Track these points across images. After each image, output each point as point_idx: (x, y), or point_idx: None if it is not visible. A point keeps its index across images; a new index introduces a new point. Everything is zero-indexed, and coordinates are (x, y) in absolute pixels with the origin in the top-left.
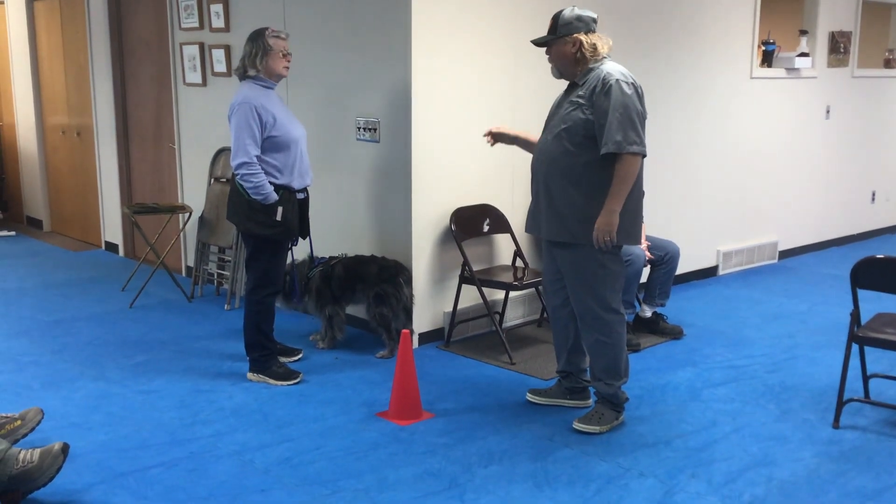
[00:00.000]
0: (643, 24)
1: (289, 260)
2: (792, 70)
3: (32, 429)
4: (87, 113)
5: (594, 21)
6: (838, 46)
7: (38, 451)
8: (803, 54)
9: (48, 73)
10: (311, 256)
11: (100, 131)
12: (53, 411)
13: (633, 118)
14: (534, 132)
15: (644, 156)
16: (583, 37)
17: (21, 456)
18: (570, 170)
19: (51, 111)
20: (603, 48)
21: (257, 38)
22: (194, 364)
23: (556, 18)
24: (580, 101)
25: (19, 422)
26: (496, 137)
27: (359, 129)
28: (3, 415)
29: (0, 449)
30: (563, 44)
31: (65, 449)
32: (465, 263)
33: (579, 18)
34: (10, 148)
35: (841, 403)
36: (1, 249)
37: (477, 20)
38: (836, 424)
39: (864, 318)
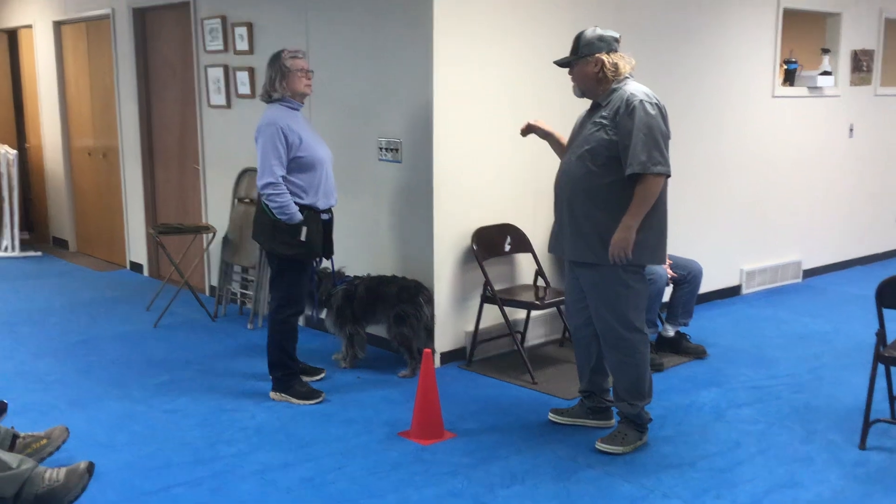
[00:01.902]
0: (665, 43)
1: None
2: (814, 88)
3: (58, 447)
4: (113, 135)
5: (616, 41)
6: (861, 65)
7: (63, 470)
8: (826, 73)
9: (75, 95)
10: (333, 275)
11: (125, 153)
12: (79, 430)
13: (658, 138)
14: (564, 137)
15: (668, 176)
16: (605, 56)
17: (47, 475)
18: (593, 190)
19: (77, 133)
20: (625, 68)
21: (275, 62)
22: (217, 383)
23: (578, 38)
24: (603, 121)
25: (45, 441)
26: (530, 129)
27: (381, 149)
28: (30, 434)
29: (26, 468)
30: (585, 64)
31: (90, 468)
32: (487, 283)
33: (601, 38)
34: (37, 169)
35: (867, 424)
36: (27, 269)
37: (499, 40)
38: (862, 445)
39: (891, 337)
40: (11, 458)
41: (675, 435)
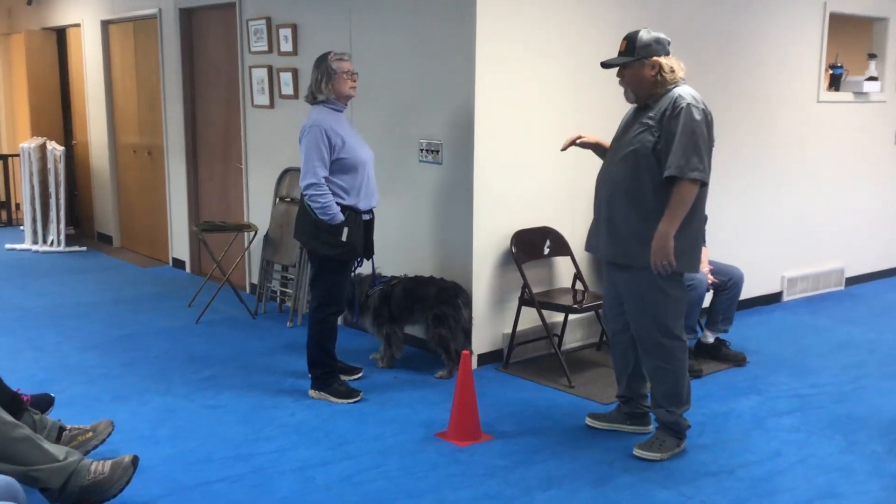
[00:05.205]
0: (709, 46)
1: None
2: (860, 94)
3: (103, 441)
4: (158, 133)
5: (669, 44)
6: None
7: (108, 462)
8: (872, 78)
9: (121, 93)
10: (373, 276)
11: (170, 151)
12: (122, 424)
13: (699, 144)
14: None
15: (705, 183)
16: (663, 59)
17: (93, 467)
18: (635, 192)
19: (123, 131)
20: (679, 71)
21: (321, 64)
22: (258, 380)
23: (633, 40)
24: (650, 122)
25: (91, 434)
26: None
27: (421, 151)
28: (76, 426)
29: (72, 460)
30: (642, 66)
31: (135, 461)
32: (525, 285)
33: (658, 41)
34: (83, 166)
35: None
36: (72, 264)
37: (541, 43)
38: None
39: None
40: (58, 450)
41: (714, 442)
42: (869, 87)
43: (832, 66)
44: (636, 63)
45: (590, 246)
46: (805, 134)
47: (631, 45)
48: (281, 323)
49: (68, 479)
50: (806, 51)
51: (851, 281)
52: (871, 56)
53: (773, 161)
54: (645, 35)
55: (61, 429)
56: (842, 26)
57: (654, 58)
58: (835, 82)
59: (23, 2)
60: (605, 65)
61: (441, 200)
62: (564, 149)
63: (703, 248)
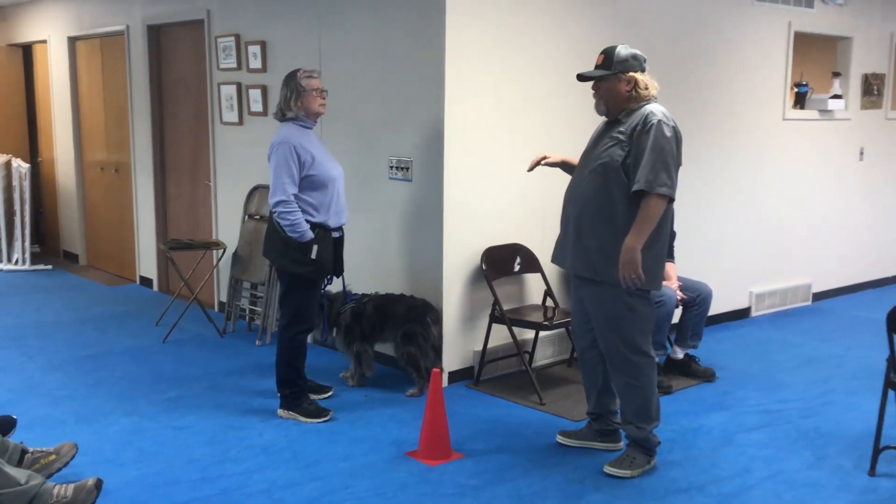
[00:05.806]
0: (676, 65)
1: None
2: (825, 112)
3: (66, 463)
4: (126, 150)
5: (645, 61)
6: (871, 88)
7: (72, 486)
8: (836, 96)
9: (88, 110)
10: (344, 293)
11: (137, 168)
12: (87, 446)
13: (668, 161)
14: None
15: (672, 200)
16: (638, 75)
17: (56, 491)
18: (603, 206)
19: (90, 147)
20: (653, 89)
21: (290, 81)
22: (225, 400)
23: (611, 55)
24: (620, 136)
25: (54, 456)
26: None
27: (391, 168)
28: (38, 449)
29: (34, 484)
30: (618, 81)
31: (98, 484)
32: (496, 302)
33: (635, 57)
34: (49, 183)
35: (877, 451)
36: (38, 283)
37: (510, 60)
38: (872, 472)
39: None
40: (20, 474)
41: (684, 459)
42: (833, 104)
43: (797, 85)
44: (612, 77)
45: (556, 258)
46: (771, 151)
47: (608, 59)
48: (250, 341)
49: (30, 503)
50: (772, 69)
51: (818, 296)
52: (836, 74)
53: (741, 178)
54: (623, 50)
55: (23, 451)
56: (807, 45)
57: (631, 73)
58: (800, 100)
59: None
60: (582, 77)
61: (411, 217)
62: (530, 170)
63: (672, 264)
